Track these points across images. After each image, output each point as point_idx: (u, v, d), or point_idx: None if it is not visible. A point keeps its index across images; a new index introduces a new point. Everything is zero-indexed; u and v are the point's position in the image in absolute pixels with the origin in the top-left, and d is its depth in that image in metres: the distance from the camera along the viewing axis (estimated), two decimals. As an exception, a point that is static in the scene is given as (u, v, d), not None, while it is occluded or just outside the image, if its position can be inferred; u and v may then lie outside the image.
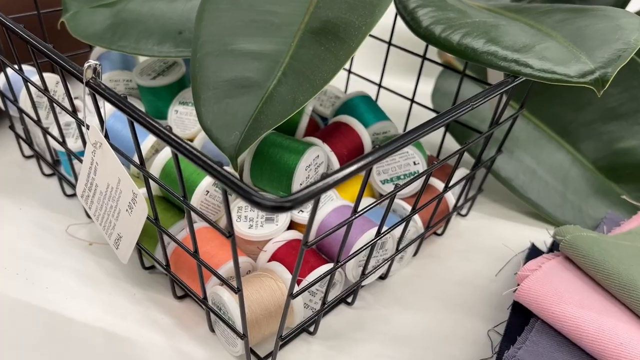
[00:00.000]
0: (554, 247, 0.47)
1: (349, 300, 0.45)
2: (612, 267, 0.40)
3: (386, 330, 0.43)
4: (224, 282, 0.35)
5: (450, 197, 0.50)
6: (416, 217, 0.47)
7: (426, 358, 0.41)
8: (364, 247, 0.39)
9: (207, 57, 0.39)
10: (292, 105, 0.36)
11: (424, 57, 0.54)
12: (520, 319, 0.42)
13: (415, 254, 0.50)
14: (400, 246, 0.44)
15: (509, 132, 0.48)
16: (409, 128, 0.61)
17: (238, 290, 0.34)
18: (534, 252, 0.47)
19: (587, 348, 0.37)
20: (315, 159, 0.45)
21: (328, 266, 0.40)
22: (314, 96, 0.36)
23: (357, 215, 0.34)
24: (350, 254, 0.39)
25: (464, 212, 0.55)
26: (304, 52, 0.39)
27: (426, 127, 0.34)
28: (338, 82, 0.64)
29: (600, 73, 0.36)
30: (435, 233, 0.53)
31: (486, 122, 0.57)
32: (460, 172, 0.51)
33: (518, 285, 0.41)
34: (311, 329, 0.42)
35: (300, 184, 0.44)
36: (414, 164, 0.47)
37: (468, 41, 0.40)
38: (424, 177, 0.40)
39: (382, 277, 0.47)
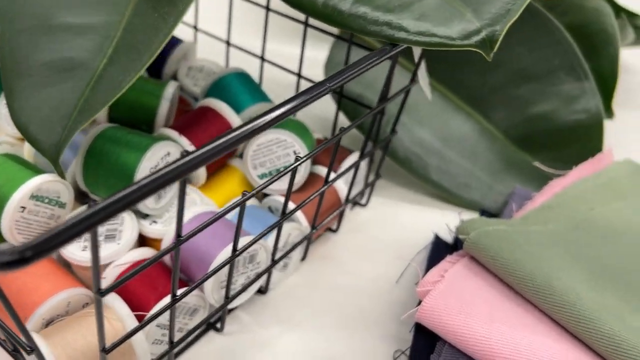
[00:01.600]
0: (459, 241, 0.41)
1: (218, 325, 0.37)
2: (525, 268, 0.34)
3: (266, 358, 0.36)
4: (15, 338, 0.26)
5: (342, 188, 0.42)
6: (299, 215, 0.40)
7: None
8: (219, 267, 0.31)
9: (20, 36, 0.32)
10: (119, 88, 0.30)
11: (305, 24, 0.45)
12: (426, 341, 0.35)
13: (303, 258, 0.42)
14: (278, 255, 0.37)
15: (402, 108, 0.41)
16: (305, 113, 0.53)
17: (31, 351, 0.25)
18: (437, 247, 0.41)
19: None
20: (165, 157, 0.36)
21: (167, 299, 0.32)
22: (138, 74, 0.30)
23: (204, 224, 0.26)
24: (207, 273, 0.31)
25: (363, 201, 0.48)
26: (139, 21, 0.32)
27: (282, 108, 0.26)
28: (217, 55, 0.55)
29: (488, 32, 0.28)
30: (329, 229, 0.45)
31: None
32: (355, 158, 0.44)
33: (420, 302, 0.34)
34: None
35: (146, 190, 0.35)
36: (294, 153, 0.39)
37: (335, 2, 0.32)
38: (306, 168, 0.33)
39: (262, 291, 0.39)
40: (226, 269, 0.33)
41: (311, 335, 0.37)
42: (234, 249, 0.31)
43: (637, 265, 0.37)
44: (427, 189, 0.49)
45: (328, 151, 0.46)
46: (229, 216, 0.38)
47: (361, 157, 0.41)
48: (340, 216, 0.44)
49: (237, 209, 0.29)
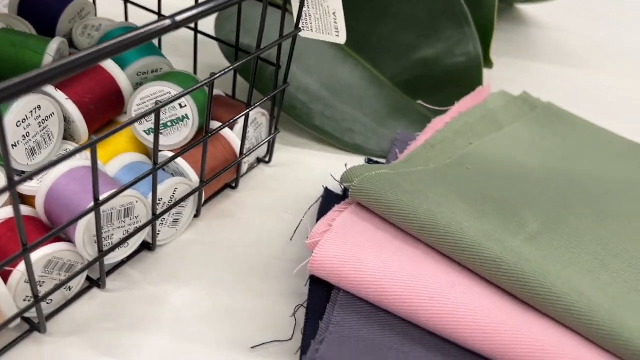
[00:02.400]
0: (347, 191, 0.40)
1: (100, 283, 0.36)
2: (408, 207, 0.34)
3: (154, 314, 0.35)
4: None
5: (236, 142, 0.42)
6: (189, 170, 0.39)
7: (211, 347, 0.34)
8: (78, 217, 0.30)
9: None
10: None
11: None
12: (322, 292, 0.35)
13: (197, 215, 0.41)
14: (160, 210, 0.36)
15: (291, 57, 0.40)
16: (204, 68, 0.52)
17: None
18: (327, 199, 0.40)
19: (400, 312, 0.31)
20: (34, 111, 0.35)
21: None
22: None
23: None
24: (64, 223, 0.30)
25: (267, 158, 0.47)
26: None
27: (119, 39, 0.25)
28: (115, 8, 0.53)
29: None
30: (229, 186, 0.45)
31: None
32: (254, 114, 0.43)
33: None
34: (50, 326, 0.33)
35: (14, 145, 0.34)
36: (180, 106, 0.38)
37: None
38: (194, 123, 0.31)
39: (150, 248, 0.39)
40: (94, 221, 0.32)
41: (206, 291, 0.37)
42: (96, 200, 0.30)
43: (513, 191, 0.38)
44: (333, 145, 0.49)
45: (227, 107, 0.45)
46: (111, 172, 0.37)
47: (247, 106, 0.40)
48: (238, 172, 0.44)
49: (120, 164, 0.28)
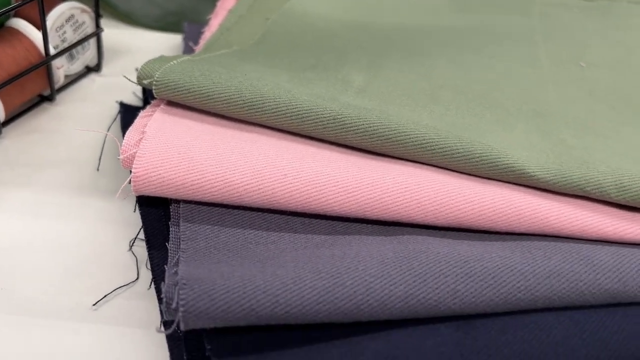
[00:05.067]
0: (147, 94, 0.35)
1: None
2: (230, 89, 0.29)
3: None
4: None
5: (41, 42, 0.33)
6: None
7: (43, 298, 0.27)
8: None
9: None
10: None
11: None
12: (157, 213, 0.29)
13: None
14: None
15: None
16: None
17: None
18: (127, 115, 0.34)
19: (254, 202, 0.27)
20: None
21: None
22: None
23: None
24: None
25: (97, 66, 0.40)
26: None
27: None
28: None
29: None
30: (44, 98, 0.37)
31: None
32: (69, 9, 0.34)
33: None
34: None
35: None
36: None
37: None
38: None
39: None
40: None
41: (5, 218, 0.30)
42: None
43: (329, 54, 0.36)
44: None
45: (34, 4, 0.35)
46: None
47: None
48: (51, 79, 0.36)
49: None
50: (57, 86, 0.37)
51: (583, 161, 0.28)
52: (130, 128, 0.29)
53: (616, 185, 0.27)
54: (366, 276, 0.23)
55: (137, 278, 0.28)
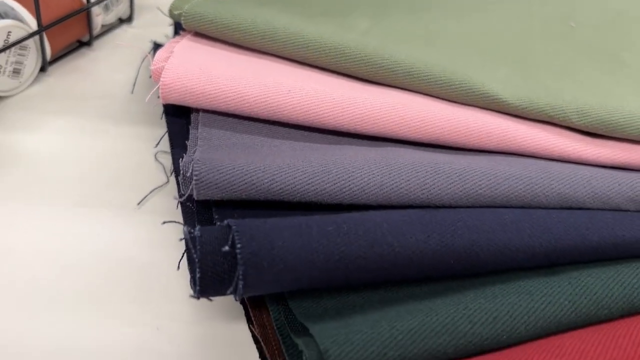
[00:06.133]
0: (177, 28, 0.39)
1: None
2: (246, 21, 0.34)
3: (6, 159, 0.32)
4: None
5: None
6: (24, 13, 0.35)
7: (87, 207, 0.32)
8: None
9: None
10: None
11: None
12: (181, 121, 0.34)
13: (43, 69, 0.38)
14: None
15: None
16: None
17: None
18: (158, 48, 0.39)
19: (261, 113, 0.31)
20: None
21: None
22: None
23: None
24: None
25: (129, 18, 0.45)
26: None
27: None
28: None
29: None
30: (82, 43, 0.42)
31: None
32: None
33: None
34: None
35: None
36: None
37: None
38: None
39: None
40: None
41: (57, 138, 0.35)
42: None
43: (336, 4, 0.40)
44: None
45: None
46: None
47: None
48: (90, 25, 0.41)
49: None
50: (94, 33, 0.42)
51: (550, 91, 0.32)
52: (161, 48, 0.34)
53: (577, 111, 0.31)
54: (349, 167, 0.27)
55: (167, 181, 0.33)
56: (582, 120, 0.31)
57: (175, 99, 0.32)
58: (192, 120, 0.32)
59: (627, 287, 0.25)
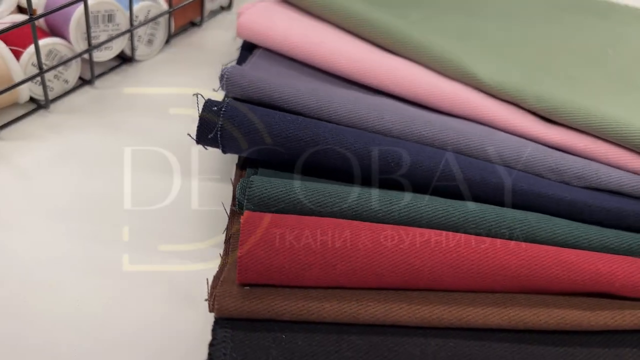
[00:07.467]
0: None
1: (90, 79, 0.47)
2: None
3: (135, 103, 0.46)
4: None
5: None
6: None
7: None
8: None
9: None
10: None
11: None
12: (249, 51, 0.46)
13: (168, 41, 0.53)
14: (136, 22, 0.47)
15: None
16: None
17: None
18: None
19: (307, 57, 0.42)
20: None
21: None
22: None
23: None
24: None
25: (228, 5, 0.59)
26: None
27: None
28: None
29: None
30: (193, 24, 0.56)
31: None
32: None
33: None
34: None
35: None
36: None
37: None
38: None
39: (129, 60, 0.50)
40: (83, 21, 0.42)
41: (177, 91, 0.48)
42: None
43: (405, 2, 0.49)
44: None
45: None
46: None
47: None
48: (202, 8, 0.54)
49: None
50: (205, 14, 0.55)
51: (528, 81, 0.38)
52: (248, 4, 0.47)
53: (536, 97, 0.36)
54: (345, 94, 0.37)
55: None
56: (540, 104, 0.36)
57: (249, 35, 0.44)
58: (254, 51, 0.45)
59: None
